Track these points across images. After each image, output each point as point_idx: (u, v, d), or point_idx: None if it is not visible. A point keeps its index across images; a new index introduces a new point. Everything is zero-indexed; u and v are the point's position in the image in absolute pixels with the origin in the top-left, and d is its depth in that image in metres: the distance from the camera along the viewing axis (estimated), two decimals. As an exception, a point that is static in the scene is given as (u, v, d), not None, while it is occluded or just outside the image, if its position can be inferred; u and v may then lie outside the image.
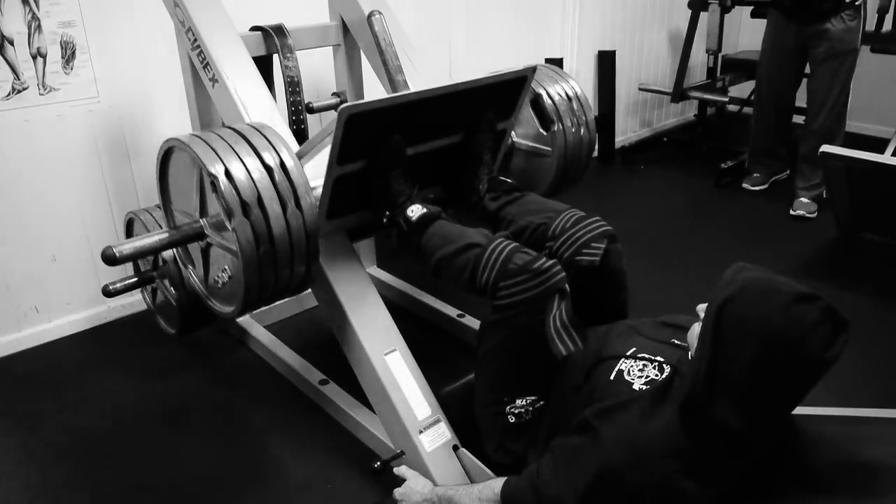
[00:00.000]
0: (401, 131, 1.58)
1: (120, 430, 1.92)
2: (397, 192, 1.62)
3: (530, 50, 3.59)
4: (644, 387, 1.28)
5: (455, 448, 1.60)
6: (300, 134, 2.00)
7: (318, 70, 2.61)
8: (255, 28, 2.02)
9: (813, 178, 3.19)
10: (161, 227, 1.96)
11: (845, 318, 1.05)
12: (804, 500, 1.17)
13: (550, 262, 1.42)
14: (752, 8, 3.83)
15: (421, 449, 1.56)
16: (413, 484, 1.51)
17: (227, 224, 1.38)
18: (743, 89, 4.19)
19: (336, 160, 1.52)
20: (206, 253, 1.58)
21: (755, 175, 3.51)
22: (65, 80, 2.15)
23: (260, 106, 1.73)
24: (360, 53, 2.22)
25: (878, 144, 2.78)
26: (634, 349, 1.38)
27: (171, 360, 2.21)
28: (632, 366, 1.34)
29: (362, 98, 2.31)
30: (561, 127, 1.95)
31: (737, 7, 3.81)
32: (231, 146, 1.42)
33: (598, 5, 3.76)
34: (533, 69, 1.77)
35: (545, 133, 1.99)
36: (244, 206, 1.37)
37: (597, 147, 3.24)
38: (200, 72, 1.81)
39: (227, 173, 1.37)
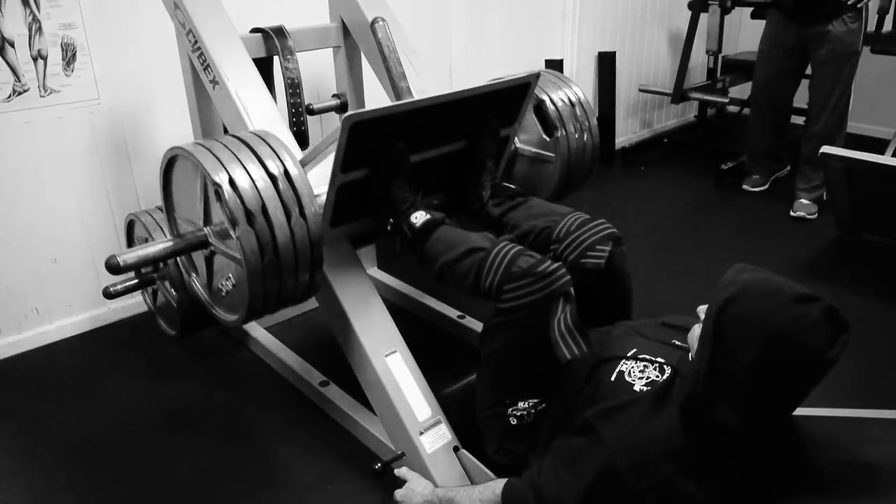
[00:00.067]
0: (404, 138, 1.58)
1: (120, 431, 1.92)
2: (401, 200, 1.61)
3: (530, 51, 3.59)
4: (645, 388, 1.28)
5: (456, 449, 1.59)
6: (300, 136, 2.00)
7: (319, 71, 2.61)
8: (255, 30, 2.02)
9: (814, 180, 3.18)
10: (161, 229, 1.97)
11: (846, 319, 1.06)
12: (805, 501, 1.17)
13: (555, 265, 1.41)
14: (752, 9, 3.83)
15: (421, 450, 1.56)
16: (414, 485, 1.51)
17: (232, 233, 1.38)
18: (743, 90, 4.19)
19: (340, 168, 1.51)
20: (209, 261, 1.58)
21: (755, 176, 3.51)
22: (65, 81, 2.15)
23: (260, 108, 1.73)
24: (360, 55, 2.22)
25: (879, 145, 2.78)
26: (635, 350, 1.38)
27: (172, 362, 2.21)
28: (632, 367, 1.34)
29: (362, 99, 2.32)
30: (564, 133, 1.96)
31: (737, 8, 3.81)
32: (235, 154, 1.41)
33: (599, 6, 3.77)
34: (536, 76, 1.77)
35: (548, 139, 1.99)
36: (248, 214, 1.36)
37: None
38: (201, 73, 1.81)
39: (231, 182, 1.37)
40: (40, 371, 2.20)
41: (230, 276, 1.50)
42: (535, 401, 1.47)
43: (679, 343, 1.34)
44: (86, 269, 2.34)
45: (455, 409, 1.66)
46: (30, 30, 2.04)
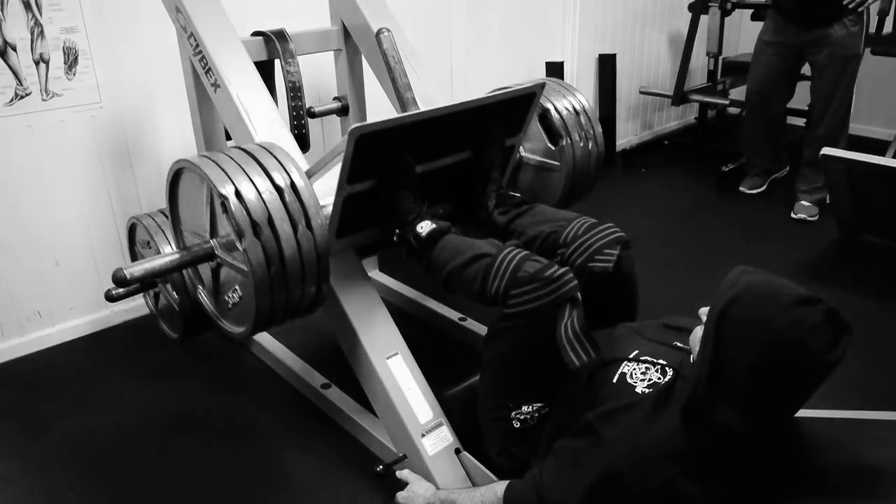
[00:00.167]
0: (410, 149, 1.59)
1: (122, 434, 1.92)
2: (407, 210, 1.61)
3: (531, 53, 3.59)
4: (647, 390, 1.28)
5: (457, 451, 1.60)
6: (301, 138, 2.01)
7: (320, 74, 2.62)
8: (256, 33, 2.03)
9: (815, 182, 3.18)
10: (163, 232, 1.97)
11: (848, 321, 1.06)
12: (806, 503, 1.17)
13: (562, 269, 1.40)
14: (752, 11, 3.84)
15: (423, 452, 1.56)
16: (415, 487, 1.51)
17: (238, 245, 1.38)
18: (743, 92, 4.17)
19: (346, 179, 1.51)
20: (216, 273, 1.57)
21: (752, 178, 3.51)
22: (67, 85, 2.15)
23: (261, 111, 1.74)
24: (361, 58, 2.23)
25: (880, 147, 2.78)
26: (637, 352, 1.38)
27: (174, 365, 2.21)
28: (634, 369, 1.34)
29: (363, 102, 2.32)
30: (569, 141, 1.96)
31: (737, 10, 3.82)
32: (241, 167, 1.41)
33: (599, 8, 3.77)
34: (542, 85, 1.77)
35: (553, 148, 1.99)
36: (254, 226, 1.35)
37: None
38: (202, 77, 1.82)
39: (238, 194, 1.36)
40: (42, 373, 2.20)
41: (237, 288, 1.50)
42: (539, 405, 1.47)
43: (681, 345, 1.34)
44: (88, 272, 2.35)
45: (457, 412, 1.66)
46: (32, 34, 2.05)
